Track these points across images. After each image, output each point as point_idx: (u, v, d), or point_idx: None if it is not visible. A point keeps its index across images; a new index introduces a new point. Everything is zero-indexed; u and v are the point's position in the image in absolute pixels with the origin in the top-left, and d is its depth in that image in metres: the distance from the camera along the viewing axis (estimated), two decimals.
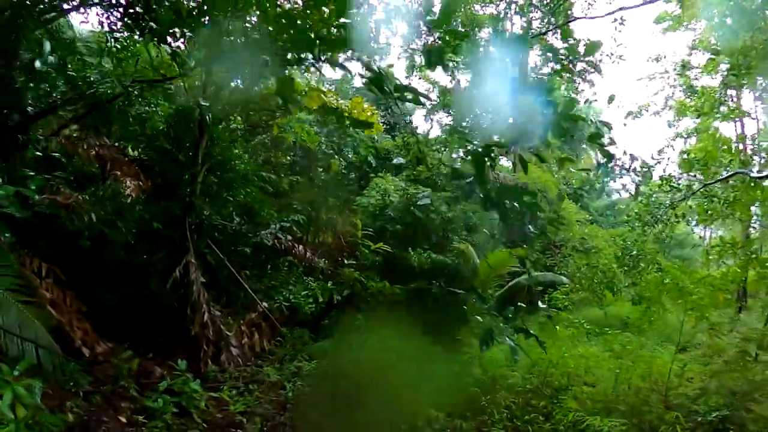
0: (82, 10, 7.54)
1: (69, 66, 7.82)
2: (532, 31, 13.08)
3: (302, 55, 4.75)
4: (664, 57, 17.95)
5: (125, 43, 7.87)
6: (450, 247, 12.49)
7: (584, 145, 19.73)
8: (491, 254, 11.52)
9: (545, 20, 13.04)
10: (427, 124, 21.52)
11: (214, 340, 8.21)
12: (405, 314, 11.34)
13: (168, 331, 8.24)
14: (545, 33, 12.78)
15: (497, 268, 11.64)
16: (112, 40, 7.61)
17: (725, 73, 14.96)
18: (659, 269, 12.33)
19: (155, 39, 6.41)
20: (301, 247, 11.46)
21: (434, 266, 11.83)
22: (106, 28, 7.22)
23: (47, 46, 7.03)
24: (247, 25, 5.62)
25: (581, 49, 12.65)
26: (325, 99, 9.51)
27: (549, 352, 8.32)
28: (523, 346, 9.28)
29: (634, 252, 12.03)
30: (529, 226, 16.53)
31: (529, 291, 14.51)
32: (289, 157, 12.57)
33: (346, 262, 11.56)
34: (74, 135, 8.49)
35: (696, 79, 16.94)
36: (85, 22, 8.07)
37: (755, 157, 13.17)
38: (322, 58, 4.64)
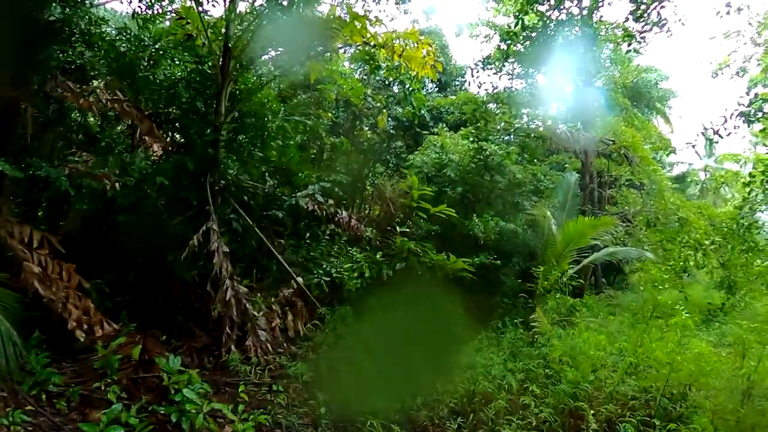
0: None
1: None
2: None
3: None
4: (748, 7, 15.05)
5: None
6: (521, 213, 10.58)
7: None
8: (571, 223, 9.50)
9: None
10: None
11: (238, 322, 6.89)
12: (467, 293, 9.75)
13: (186, 311, 7.06)
14: None
15: (576, 239, 9.61)
16: None
17: None
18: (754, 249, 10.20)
19: None
20: (344, 213, 9.95)
21: (502, 236, 10.02)
22: None
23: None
24: None
25: None
26: (371, 31, 7.71)
27: (648, 346, 6.63)
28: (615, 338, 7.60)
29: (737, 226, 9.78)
30: (603, 192, 14.54)
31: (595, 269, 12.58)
32: (331, 114, 10.96)
33: (398, 230, 9.88)
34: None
35: None
36: None
37: None
38: None
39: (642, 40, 12.36)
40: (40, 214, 7.13)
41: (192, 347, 6.34)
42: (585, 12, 10.57)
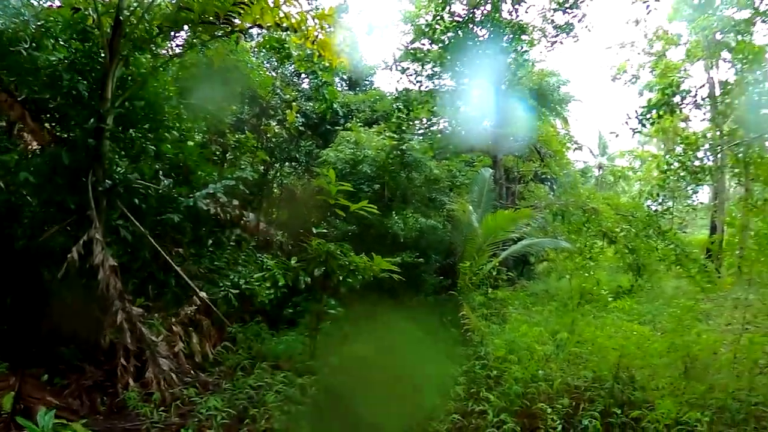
0: None
1: None
2: None
3: None
4: (644, 21, 17.27)
5: None
6: (439, 209, 10.50)
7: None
8: (490, 216, 9.54)
9: None
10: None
11: (134, 350, 5.71)
12: (391, 294, 9.36)
13: (72, 341, 5.71)
14: None
15: (496, 232, 9.69)
16: None
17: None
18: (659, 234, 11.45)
19: None
20: (251, 215, 9.00)
21: (422, 233, 9.80)
22: None
23: None
24: None
25: None
26: (285, 11, 6.91)
27: (586, 333, 6.76)
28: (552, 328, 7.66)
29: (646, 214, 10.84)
30: (513, 187, 15.26)
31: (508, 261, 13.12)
32: (235, 108, 9.85)
33: (314, 231, 9.16)
34: None
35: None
36: None
37: None
38: None
39: (554, 42, 13.21)
40: None
41: (81, 386, 5.10)
42: (504, 12, 10.96)
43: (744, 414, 4.74)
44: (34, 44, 6.01)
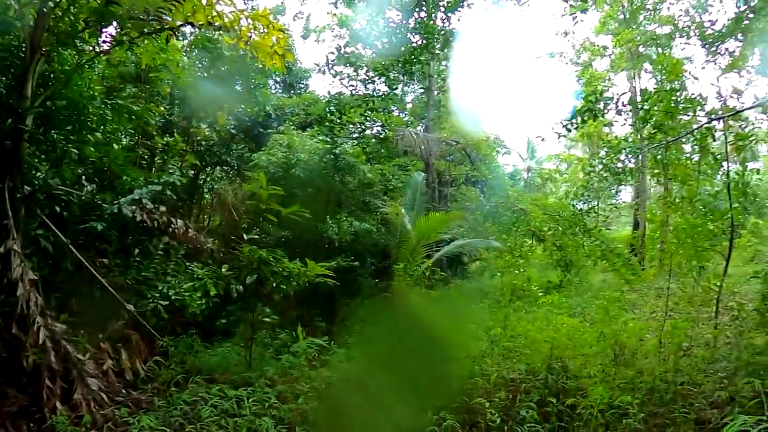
0: None
1: None
2: None
3: None
4: (573, 33, 18.73)
5: None
6: (373, 213, 10.69)
7: None
8: (422, 219, 9.90)
9: None
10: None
11: (60, 371, 5.32)
12: (327, 299, 9.41)
13: None
14: None
15: (428, 234, 10.08)
16: None
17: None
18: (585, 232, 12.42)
19: None
20: (180, 222, 8.62)
21: (357, 237, 9.94)
22: None
23: None
24: None
25: None
26: (218, 9, 6.72)
27: (519, 328, 7.17)
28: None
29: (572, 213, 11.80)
30: (445, 191, 15.85)
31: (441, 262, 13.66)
32: (164, 110, 9.35)
33: (245, 237, 8.96)
34: None
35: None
36: None
37: None
38: None
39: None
40: None
41: (4, 413, 4.65)
42: (441, 20, 11.35)
43: (671, 394, 5.15)
44: None
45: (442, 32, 11.71)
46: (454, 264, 13.83)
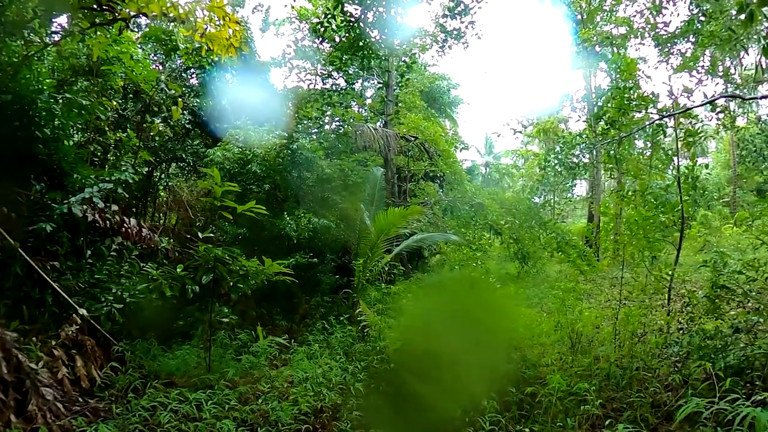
0: None
1: None
2: None
3: None
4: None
5: None
6: (332, 208, 10.70)
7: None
8: (382, 214, 10.00)
9: None
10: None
11: (12, 381, 5.10)
12: (286, 297, 9.35)
13: None
14: None
15: (388, 229, 10.19)
16: None
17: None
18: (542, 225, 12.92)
19: None
20: (133, 221, 8.35)
21: (315, 233, 9.93)
22: None
23: None
24: None
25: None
26: (172, 0, 6.56)
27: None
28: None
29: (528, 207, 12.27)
30: (404, 186, 16.03)
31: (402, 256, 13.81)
32: (116, 104, 8.94)
33: (200, 236, 8.77)
34: None
35: None
36: None
37: None
38: None
39: (444, 47, 14.06)
40: None
41: None
42: (400, 15, 11.40)
43: (628, 379, 5.40)
44: None
45: (401, 27, 11.83)
46: (415, 258, 14.06)
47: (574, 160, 10.68)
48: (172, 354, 7.41)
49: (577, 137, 10.75)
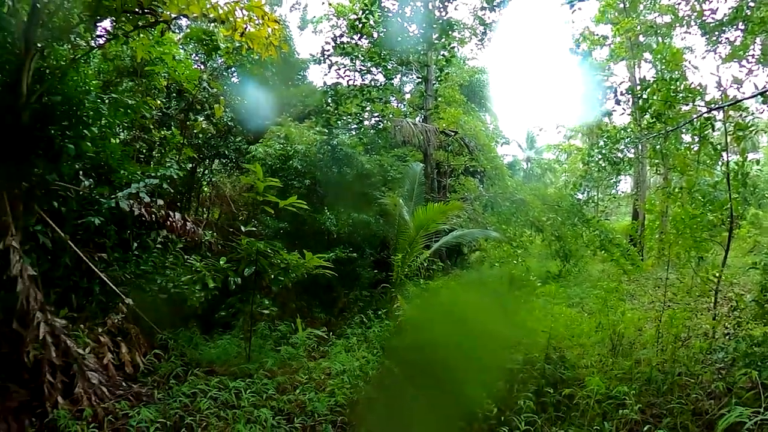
0: None
1: None
2: None
3: None
4: (572, 22, 18.65)
5: None
6: (371, 204, 10.72)
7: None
8: (421, 209, 9.91)
9: None
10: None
11: (60, 365, 5.40)
12: (326, 291, 9.45)
13: None
14: None
15: (427, 225, 10.07)
16: None
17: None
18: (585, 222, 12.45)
19: None
20: (178, 215, 8.66)
21: (355, 228, 9.98)
22: None
23: None
24: None
25: None
26: (212, 0, 6.70)
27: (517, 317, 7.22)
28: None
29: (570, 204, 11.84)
30: (444, 181, 15.87)
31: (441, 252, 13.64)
32: (161, 103, 9.31)
33: (243, 229, 8.98)
34: None
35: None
36: None
37: None
38: None
39: (483, 40, 13.81)
40: None
41: (6, 408, 4.72)
42: (438, 9, 11.28)
43: (669, 384, 5.20)
44: None
45: (439, 21, 11.64)
46: (454, 254, 13.90)
47: (619, 155, 10.17)
48: (214, 343, 7.63)
49: (622, 131, 10.25)
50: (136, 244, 7.92)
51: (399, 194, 11.21)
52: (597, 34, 18.90)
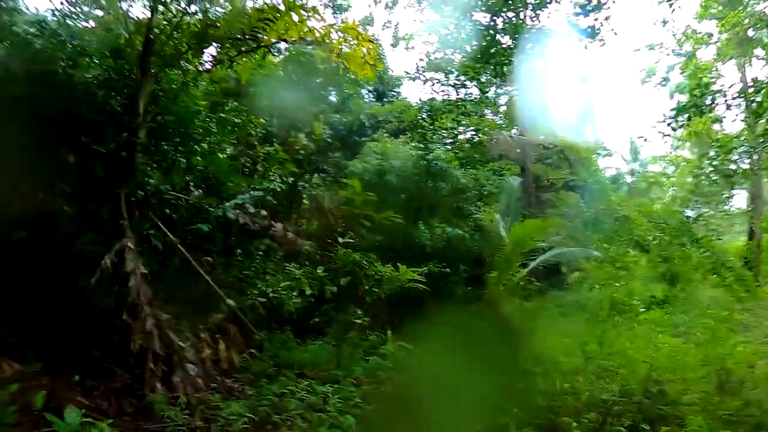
0: None
1: None
2: None
3: None
4: (672, 21, 16.71)
5: None
6: (467, 219, 10.44)
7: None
8: (518, 225, 9.38)
9: None
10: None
11: (162, 355, 5.88)
12: (417, 305, 9.30)
13: (103, 345, 5.94)
14: None
15: (524, 242, 9.49)
16: None
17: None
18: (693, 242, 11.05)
19: None
20: (280, 225, 9.13)
21: (449, 243, 9.77)
22: None
23: None
24: None
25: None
26: (309, 25, 7.07)
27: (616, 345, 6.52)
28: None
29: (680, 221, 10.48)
30: (542, 196, 14.98)
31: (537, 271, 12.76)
32: (264, 121, 10.07)
33: (340, 241, 9.20)
34: None
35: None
36: None
37: None
38: None
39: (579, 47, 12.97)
40: None
41: (110, 388, 5.31)
42: (530, 18, 10.91)
43: None
44: (70, 63, 6.38)
45: (532, 30, 11.17)
46: (551, 274, 12.95)
47: (732, 166, 8.70)
48: (305, 348, 7.83)
49: (734, 140, 8.77)
50: (239, 251, 8.51)
51: (495, 209, 10.83)
52: (700, 32, 16.61)
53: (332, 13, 10.77)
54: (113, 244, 6.02)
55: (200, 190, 7.88)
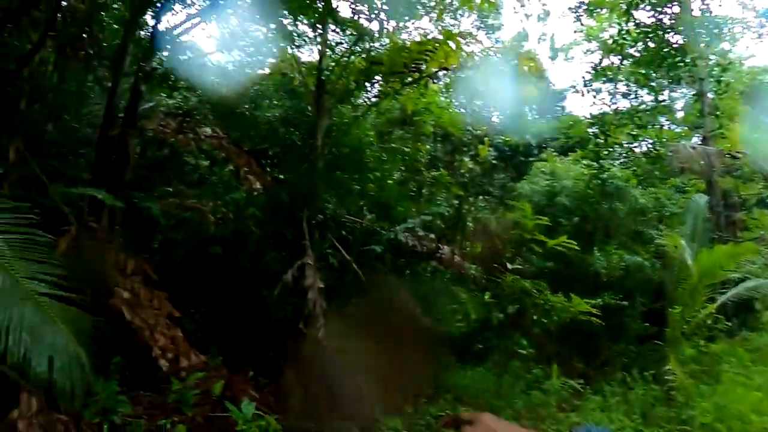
0: None
1: None
2: None
3: None
4: None
5: None
6: (646, 244, 9.23)
7: None
8: (705, 252, 7.87)
9: None
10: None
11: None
12: (587, 339, 8.52)
13: (279, 348, 6.83)
14: None
15: (714, 272, 7.89)
16: None
17: None
18: None
19: None
20: (447, 248, 9.32)
21: (627, 272, 8.75)
22: None
23: None
24: None
25: None
26: (467, 50, 7.23)
27: None
28: None
29: None
30: (732, 216, 12.26)
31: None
32: (429, 147, 10.48)
33: (509, 267, 8.90)
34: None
35: None
36: None
37: None
38: None
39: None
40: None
41: (280, 386, 6.05)
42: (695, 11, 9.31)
43: None
44: (253, 105, 7.64)
45: (704, 23, 9.51)
46: (742, 311, 10.36)
47: None
48: (465, 372, 7.74)
49: None
50: (408, 271, 8.91)
51: (679, 232, 9.25)
52: None
53: (485, 34, 10.65)
54: (294, 262, 6.90)
55: (372, 214, 8.52)
